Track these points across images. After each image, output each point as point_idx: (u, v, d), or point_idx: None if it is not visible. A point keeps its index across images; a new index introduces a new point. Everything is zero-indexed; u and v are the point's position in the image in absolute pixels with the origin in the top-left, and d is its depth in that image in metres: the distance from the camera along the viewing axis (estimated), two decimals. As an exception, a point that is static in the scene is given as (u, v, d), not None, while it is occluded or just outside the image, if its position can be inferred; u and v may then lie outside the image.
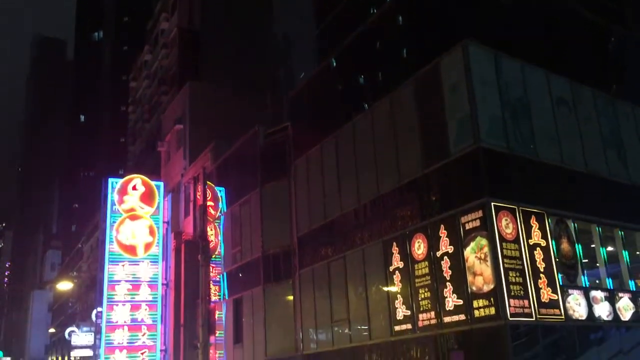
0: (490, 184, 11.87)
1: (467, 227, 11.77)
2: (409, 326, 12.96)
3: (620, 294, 13.18)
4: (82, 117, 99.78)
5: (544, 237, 12.04)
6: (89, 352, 44.99)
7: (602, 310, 12.55)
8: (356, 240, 15.23)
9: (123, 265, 27.24)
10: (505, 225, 11.48)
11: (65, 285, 47.46)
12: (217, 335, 22.52)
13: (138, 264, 27.54)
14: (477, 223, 11.58)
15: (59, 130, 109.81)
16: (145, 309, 27.10)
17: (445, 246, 12.24)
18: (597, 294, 12.65)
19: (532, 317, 11.18)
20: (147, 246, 27.54)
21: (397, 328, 13.32)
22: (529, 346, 11.16)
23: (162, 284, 28.03)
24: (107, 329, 26.63)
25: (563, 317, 11.70)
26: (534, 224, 11.99)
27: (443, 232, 12.34)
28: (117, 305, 26.74)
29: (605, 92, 15.34)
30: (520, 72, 13.35)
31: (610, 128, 15.12)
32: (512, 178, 12.44)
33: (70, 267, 64.71)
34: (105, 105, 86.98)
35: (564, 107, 14.10)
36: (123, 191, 27.98)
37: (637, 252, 14.41)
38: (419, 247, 12.93)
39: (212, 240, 23.31)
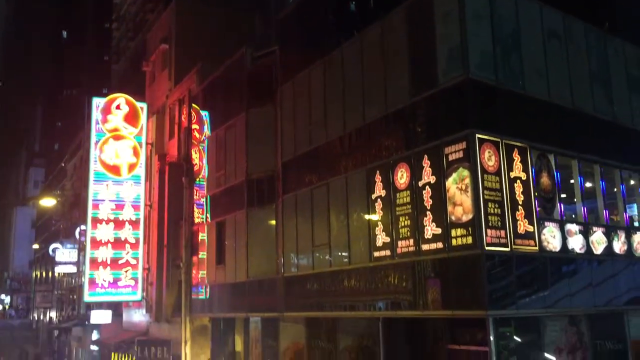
0: (476, 116, 11.90)
1: (450, 158, 11.87)
2: (388, 253, 13.26)
3: (595, 228, 13.53)
4: (65, 34, 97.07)
5: (525, 170, 12.20)
6: (72, 269, 45.73)
7: (576, 243, 12.91)
8: (340, 168, 15.32)
9: (107, 185, 27.33)
10: (488, 158, 11.59)
11: (48, 202, 47.51)
12: (199, 255, 22.96)
13: (122, 184, 27.65)
14: (461, 154, 11.68)
15: (41, 46, 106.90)
16: (129, 228, 27.43)
17: (427, 176, 12.38)
18: (572, 227, 12.98)
19: (507, 247, 11.48)
20: (131, 167, 27.55)
21: (376, 254, 13.63)
22: (503, 275, 11.52)
23: (146, 205, 28.25)
24: (90, 246, 27.00)
25: (537, 248, 12.03)
26: (516, 157, 12.12)
27: (426, 162, 12.44)
28: (100, 223, 27.02)
29: (598, 27, 15.18)
30: (513, 3, 13.12)
31: (600, 65, 15.08)
32: (498, 111, 12.46)
33: (53, 186, 64.70)
34: (89, 21, 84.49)
35: (555, 41, 13.97)
36: (107, 110, 27.70)
37: (615, 189, 14.69)
38: (402, 177, 13.06)
39: (196, 164, 23.33)
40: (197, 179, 23.23)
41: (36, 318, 74.80)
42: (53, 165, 70.83)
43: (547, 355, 12.09)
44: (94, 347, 41.24)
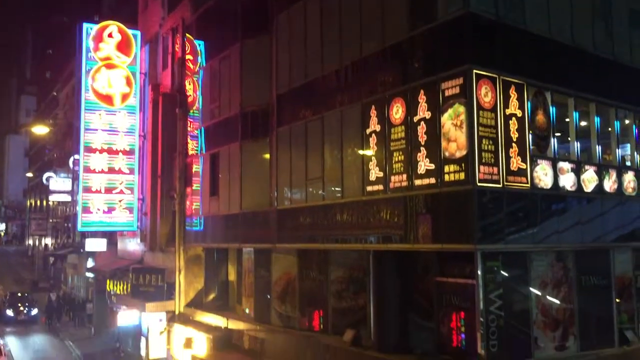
0: (474, 52, 11.74)
1: (447, 93, 11.79)
2: (381, 187, 13.36)
3: (587, 167, 13.63)
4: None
5: (521, 107, 12.16)
6: (67, 197, 45.94)
7: (567, 181, 13.02)
8: (335, 102, 15.21)
9: (100, 115, 27.18)
10: (484, 94, 11.52)
11: (41, 130, 47.18)
12: (193, 187, 23.09)
13: (115, 114, 27.49)
14: (457, 90, 11.60)
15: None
16: (123, 158, 27.45)
17: (423, 111, 12.32)
18: (565, 165, 13.06)
19: (499, 184, 11.58)
20: (124, 96, 27.29)
21: (369, 188, 13.73)
22: (493, 211, 11.67)
23: (140, 135, 28.15)
24: (84, 175, 27.07)
25: (529, 185, 12.14)
26: (513, 94, 12.05)
27: (422, 98, 12.36)
28: (94, 152, 27.01)
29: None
30: None
31: (602, 0, 14.79)
32: (496, 47, 12.29)
33: (45, 114, 64.12)
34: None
35: (558, -26, 13.63)
36: (98, 38, 27.18)
37: (609, 128, 14.71)
38: (397, 112, 13.00)
39: (190, 95, 23.12)
40: (191, 111, 23.08)
41: (31, 245, 75.67)
42: (45, 93, 69.99)
43: (532, 289, 12.41)
44: (89, 274, 41.99)
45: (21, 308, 42.07)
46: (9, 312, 41.44)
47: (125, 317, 27.64)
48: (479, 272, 11.38)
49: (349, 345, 13.89)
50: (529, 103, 12.35)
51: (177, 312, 23.52)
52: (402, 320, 13.31)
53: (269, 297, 18.22)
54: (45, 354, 35.95)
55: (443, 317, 12.51)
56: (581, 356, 12.72)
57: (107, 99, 26.73)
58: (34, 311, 42.43)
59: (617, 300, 14.06)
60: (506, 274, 11.92)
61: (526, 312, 12.25)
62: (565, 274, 13.07)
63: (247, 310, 19.61)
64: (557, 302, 12.83)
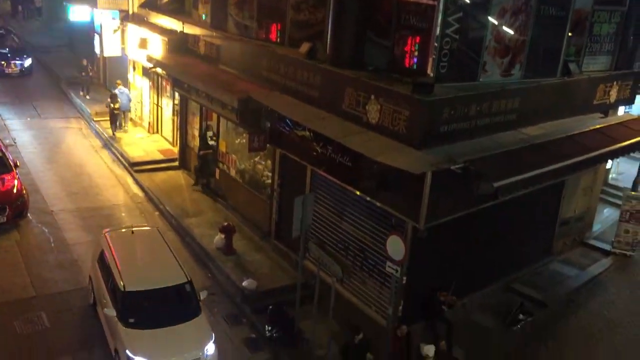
0: None
1: None
2: None
3: None
4: None
5: None
6: None
7: None
8: None
9: None
10: None
11: None
12: None
13: None
14: None
15: None
16: None
17: None
18: None
19: None
20: None
21: None
22: None
23: None
24: None
25: None
26: None
27: None
28: None
29: None
30: None
31: None
32: None
33: None
34: None
35: None
36: None
37: None
38: None
39: None
40: None
41: None
42: None
43: (490, 17, 12.38)
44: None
45: (6, 55, 31.61)
46: None
47: (77, 13, 26.91)
48: (442, -5, 11.18)
49: (304, 57, 14.09)
50: None
51: (130, 12, 22.94)
52: (358, 36, 13.32)
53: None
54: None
55: (399, 39, 12.55)
56: (523, 83, 13.36)
57: None
58: (28, 61, 32.05)
59: (570, 33, 14.31)
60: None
61: (480, 38, 12.42)
62: (526, 2, 12.98)
63: (203, 17, 19.21)
64: (512, 31, 12.98)
